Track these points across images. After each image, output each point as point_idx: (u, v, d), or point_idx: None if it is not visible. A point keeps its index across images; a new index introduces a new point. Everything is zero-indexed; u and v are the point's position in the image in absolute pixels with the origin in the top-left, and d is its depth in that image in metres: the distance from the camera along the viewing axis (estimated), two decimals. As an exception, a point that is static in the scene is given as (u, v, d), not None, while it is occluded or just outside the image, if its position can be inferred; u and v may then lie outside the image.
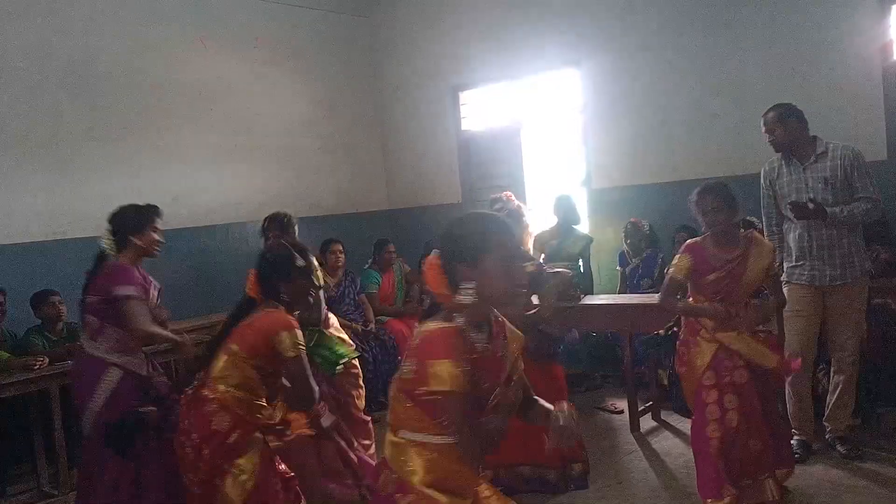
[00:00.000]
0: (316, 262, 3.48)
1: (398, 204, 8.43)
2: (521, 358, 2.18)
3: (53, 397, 4.63)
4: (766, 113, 4.36)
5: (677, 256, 3.80)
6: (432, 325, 2.00)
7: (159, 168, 6.53)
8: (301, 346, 2.96)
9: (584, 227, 6.65)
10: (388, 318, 6.62)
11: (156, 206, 3.84)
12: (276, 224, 4.68)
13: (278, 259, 3.13)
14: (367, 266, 6.85)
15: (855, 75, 5.35)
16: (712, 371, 3.66)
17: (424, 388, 1.93)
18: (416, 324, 2.17)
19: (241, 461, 2.90)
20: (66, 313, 5.25)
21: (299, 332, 2.97)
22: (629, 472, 4.44)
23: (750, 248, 3.66)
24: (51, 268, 5.66)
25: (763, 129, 4.36)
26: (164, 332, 3.78)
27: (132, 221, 3.71)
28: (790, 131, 4.27)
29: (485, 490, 2.09)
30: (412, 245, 7.68)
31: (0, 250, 5.58)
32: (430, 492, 1.99)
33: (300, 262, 3.13)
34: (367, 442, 4.21)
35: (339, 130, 8.04)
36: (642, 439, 4.99)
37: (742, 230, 3.82)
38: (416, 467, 2.01)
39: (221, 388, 2.94)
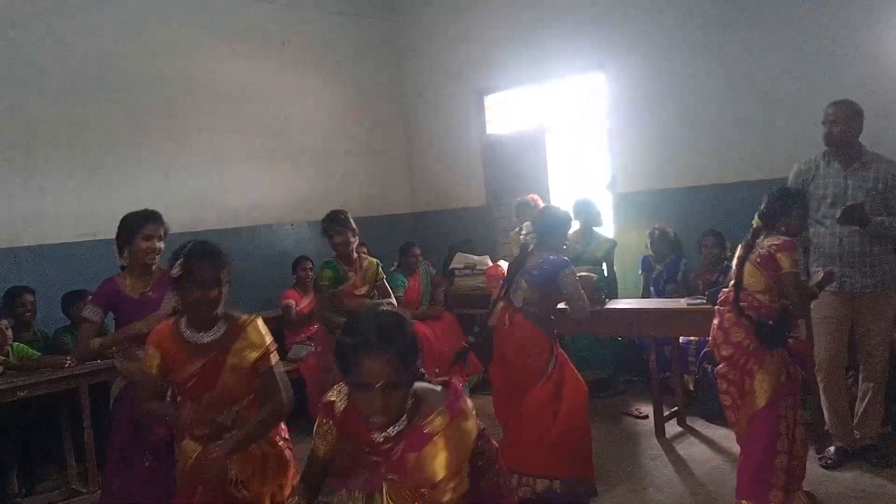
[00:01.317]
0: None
1: (422, 207, 8.44)
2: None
3: (83, 396, 4.68)
4: (833, 104, 4.27)
5: (790, 253, 3.51)
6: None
7: (187, 170, 6.59)
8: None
9: (608, 231, 6.63)
10: (412, 321, 6.61)
11: (147, 213, 3.65)
12: (338, 221, 4.75)
13: None
14: (392, 269, 6.88)
15: (888, 78, 5.28)
16: (784, 369, 3.58)
17: None
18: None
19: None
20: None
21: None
22: (654, 478, 4.42)
23: None
24: (80, 268, 5.72)
25: (824, 118, 4.27)
26: (115, 336, 3.65)
27: (122, 233, 3.64)
28: (852, 131, 4.21)
29: None
30: (436, 248, 7.70)
31: (30, 251, 5.65)
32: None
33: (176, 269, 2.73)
34: None
35: (364, 133, 8.07)
36: (668, 445, 4.96)
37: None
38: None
39: None
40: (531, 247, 4.36)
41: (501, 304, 4.37)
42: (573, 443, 4.08)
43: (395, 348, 2.00)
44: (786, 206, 3.69)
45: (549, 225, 4.35)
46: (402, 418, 2.07)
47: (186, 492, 2.76)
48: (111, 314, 3.71)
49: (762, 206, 3.71)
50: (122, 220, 3.66)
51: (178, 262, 2.68)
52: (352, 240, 4.76)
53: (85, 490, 4.76)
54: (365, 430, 2.08)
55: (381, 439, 2.06)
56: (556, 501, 4.03)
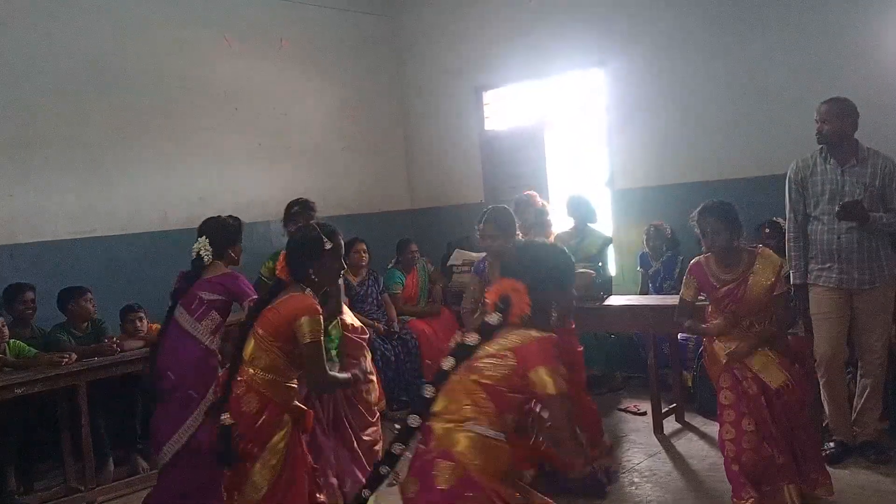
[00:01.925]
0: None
1: (421, 203, 8.43)
2: None
3: (81, 393, 4.68)
4: (825, 102, 4.26)
5: (685, 277, 3.89)
6: (534, 334, 2.30)
7: (186, 168, 6.58)
8: (319, 332, 2.98)
9: (606, 228, 6.62)
10: (410, 318, 6.62)
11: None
12: (303, 208, 4.91)
13: (308, 240, 3.16)
14: (390, 266, 6.87)
15: (885, 75, 5.28)
16: (728, 374, 3.68)
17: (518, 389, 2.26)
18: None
19: (269, 445, 2.96)
20: (94, 311, 5.31)
21: (320, 318, 3.00)
22: (653, 474, 4.42)
23: (752, 266, 3.67)
24: (79, 266, 5.72)
25: (816, 116, 4.27)
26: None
27: (232, 235, 4.19)
28: (844, 128, 4.21)
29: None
30: (435, 244, 7.69)
31: (29, 248, 5.64)
32: (472, 466, 2.21)
33: (328, 243, 3.14)
34: (367, 438, 4.21)
35: (362, 130, 8.06)
36: (666, 442, 4.96)
37: (748, 246, 3.83)
38: (464, 449, 2.23)
39: (250, 370, 3.01)
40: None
41: None
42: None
43: None
44: (698, 222, 3.84)
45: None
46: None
47: None
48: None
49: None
50: (226, 223, 4.20)
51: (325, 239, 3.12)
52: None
53: (83, 488, 4.75)
54: None
55: None
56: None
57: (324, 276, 3.16)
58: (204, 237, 4.07)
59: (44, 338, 5.19)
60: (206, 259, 4.03)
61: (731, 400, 3.64)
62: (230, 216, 4.26)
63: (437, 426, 2.29)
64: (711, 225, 3.66)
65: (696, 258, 3.85)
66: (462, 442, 2.24)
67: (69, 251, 5.78)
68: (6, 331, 4.86)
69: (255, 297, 3.84)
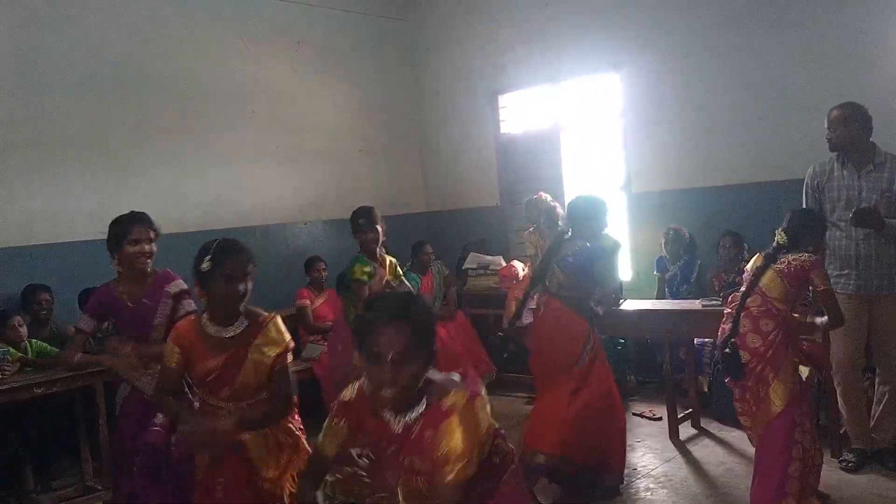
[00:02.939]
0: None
1: (436, 206, 8.44)
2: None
3: (98, 393, 4.70)
4: (833, 109, 4.26)
5: (820, 271, 3.65)
6: None
7: (202, 169, 6.62)
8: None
9: (622, 232, 6.61)
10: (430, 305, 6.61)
11: (133, 215, 3.52)
12: (370, 218, 4.78)
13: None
14: (405, 268, 6.88)
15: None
16: (797, 376, 3.61)
17: None
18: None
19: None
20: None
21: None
22: (668, 480, 4.40)
23: None
24: (96, 266, 5.73)
25: (825, 124, 4.26)
26: (91, 359, 3.77)
27: (110, 242, 3.52)
28: (851, 134, 4.18)
29: None
30: (450, 247, 7.70)
31: (47, 249, 5.69)
32: None
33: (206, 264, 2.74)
34: None
35: (378, 133, 8.08)
36: (682, 447, 4.94)
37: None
38: None
39: None
40: (566, 235, 4.37)
41: (536, 296, 4.34)
42: (589, 428, 4.07)
43: (408, 320, 2.06)
44: (815, 226, 3.82)
45: (580, 212, 4.33)
46: (421, 403, 2.10)
47: (207, 489, 2.79)
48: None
49: (787, 224, 3.74)
50: (110, 226, 3.52)
51: (207, 257, 2.72)
52: (381, 237, 4.77)
53: (100, 486, 4.79)
54: (381, 423, 2.10)
55: (401, 428, 2.09)
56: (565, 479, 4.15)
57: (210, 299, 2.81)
58: None
59: (63, 338, 5.24)
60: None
61: (801, 419, 3.56)
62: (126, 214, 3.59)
63: None
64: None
65: (812, 256, 3.69)
66: None
67: (88, 252, 5.80)
68: (24, 330, 4.91)
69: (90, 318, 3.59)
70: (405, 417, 2.10)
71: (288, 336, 2.83)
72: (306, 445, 2.89)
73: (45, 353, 4.94)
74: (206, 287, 2.77)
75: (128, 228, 3.47)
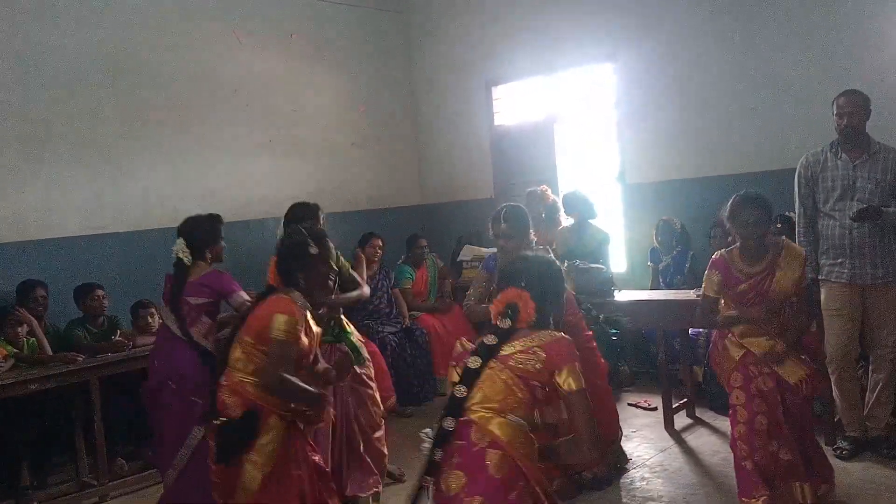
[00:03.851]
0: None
1: (431, 199, 8.43)
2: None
3: (94, 389, 4.71)
4: (844, 95, 4.21)
5: (706, 273, 3.71)
6: (556, 334, 2.44)
7: (196, 163, 6.60)
8: (290, 332, 2.94)
9: (616, 223, 6.62)
10: (420, 314, 6.64)
11: (220, 216, 4.23)
12: (304, 213, 4.56)
13: (294, 246, 3.16)
14: (400, 261, 6.88)
15: (896, 69, 5.25)
16: (739, 373, 3.60)
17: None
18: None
19: (257, 446, 2.91)
20: (108, 307, 5.35)
21: (297, 320, 2.96)
22: (664, 469, 4.42)
23: (778, 258, 3.53)
24: (91, 262, 5.75)
25: (837, 109, 4.20)
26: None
27: (207, 234, 4.06)
28: (863, 121, 4.18)
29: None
30: (445, 240, 7.70)
31: (41, 245, 5.67)
32: (518, 455, 2.29)
33: (314, 248, 3.13)
34: (377, 434, 4.23)
35: (372, 125, 8.06)
36: (677, 437, 4.96)
37: (774, 236, 3.75)
38: (509, 437, 2.30)
39: (236, 376, 3.01)
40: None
41: None
42: None
43: None
44: (730, 214, 3.65)
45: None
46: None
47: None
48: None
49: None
50: (202, 223, 4.08)
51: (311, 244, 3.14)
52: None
53: (96, 483, 4.78)
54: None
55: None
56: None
57: (313, 281, 3.14)
58: (181, 239, 3.99)
59: (58, 334, 5.24)
60: (186, 261, 3.96)
61: (743, 399, 3.58)
62: (209, 214, 4.16)
63: (477, 416, 2.32)
64: (755, 215, 3.48)
65: (718, 253, 3.70)
66: (505, 430, 2.29)
67: (81, 247, 5.81)
68: (23, 331, 4.91)
69: (241, 292, 3.86)
70: None
71: None
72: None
73: (41, 350, 4.93)
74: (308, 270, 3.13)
75: (221, 226, 4.14)
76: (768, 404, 3.54)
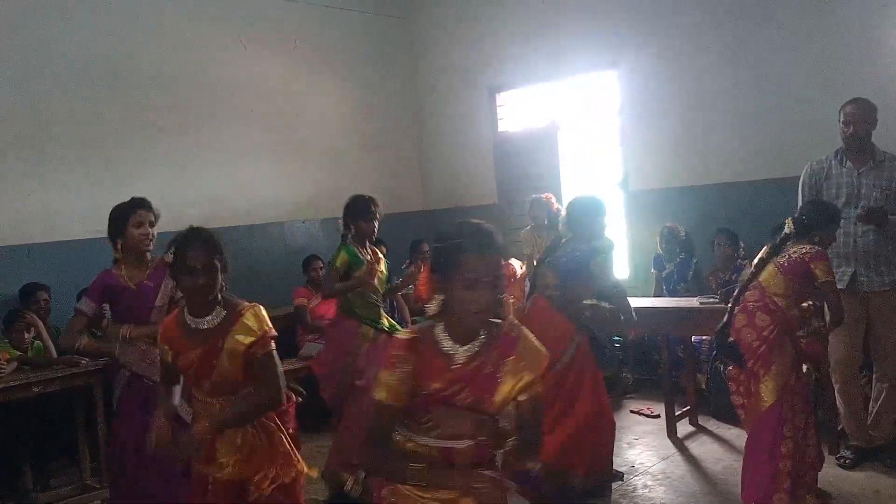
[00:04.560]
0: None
1: (434, 205, 8.44)
2: (535, 382, 2.13)
3: (97, 392, 4.71)
4: (851, 103, 4.21)
5: (823, 263, 3.53)
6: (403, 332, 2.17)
7: (199, 167, 6.61)
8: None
9: (620, 230, 6.62)
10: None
11: (136, 200, 3.66)
12: (375, 207, 4.63)
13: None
14: (404, 266, 6.88)
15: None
16: (794, 373, 3.58)
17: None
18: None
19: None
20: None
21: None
22: (666, 477, 4.41)
23: None
24: (94, 265, 5.69)
25: (845, 117, 4.21)
26: (97, 345, 3.69)
27: (113, 224, 3.63)
28: (869, 130, 4.18)
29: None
30: (447, 246, 7.68)
31: (44, 248, 5.68)
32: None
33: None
34: None
35: (376, 131, 8.07)
36: (679, 444, 4.95)
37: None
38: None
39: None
40: (564, 239, 4.29)
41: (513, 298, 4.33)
42: (578, 446, 4.01)
43: (498, 249, 2.06)
44: (826, 218, 3.70)
45: (577, 214, 4.24)
46: (480, 335, 2.11)
47: (202, 486, 2.78)
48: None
49: (798, 213, 3.71)
50: (112, 212, 3.66)
51: (171, 249, 2.75)
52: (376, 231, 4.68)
53: (98, 486, 4.78)
54: (444, 361, 2.08)
55: (465, 358, 2.07)
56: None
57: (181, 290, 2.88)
58: None
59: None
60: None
61: (790, 400, 3.54)
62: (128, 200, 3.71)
63: None
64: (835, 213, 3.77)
65: (815, 248, 3.59)
66: None
67: (84, 250, 5.79)
68: (30, 335, 4.92)
69: (92, 302, 3.61)
70: (469, 346, 2.09)
71: (268, 325, 2.75)
72: (287, 446, 2.81)
73: (43, 353, 4.94)
74: (174, 279, 2.81)
75: (132, 212, 3.60)
76: (805, 399, 3.58)
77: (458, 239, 2.03)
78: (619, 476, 4.38)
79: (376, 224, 4.62)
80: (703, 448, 4.85)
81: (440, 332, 2.10)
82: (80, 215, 5.86)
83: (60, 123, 5.82)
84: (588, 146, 7.37)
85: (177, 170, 6.46)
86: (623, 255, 6.74)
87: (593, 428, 4.06)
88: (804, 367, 3.66)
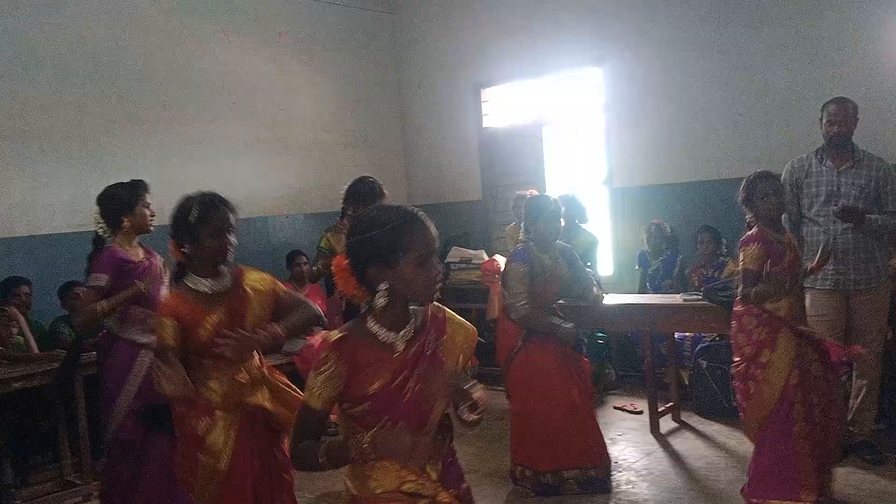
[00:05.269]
0: None
1: (419, 200, 8.41)
2: (468, 350, 2.12)
3: (77, 387, 4.67)
4: (834, 102, 4.23)
5: (744, 249, 3.67)
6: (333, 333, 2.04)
7: (182, 160, 6.55)
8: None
9: (604, 227, 6.63)
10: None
11: (143, 182, 3.90)
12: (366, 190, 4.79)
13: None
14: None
15: (885, 75, 5.30)
16: (797, 369, 3.58)
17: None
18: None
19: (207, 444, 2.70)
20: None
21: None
22: (649, 473, 4.43)
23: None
24: (76, 259, 5.68)
25: (827, 116, 4.24)
26: (114, 299, 3.65)
27: (122, 202, 3.82)
28: (852, 128, 4.22)
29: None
30: (432, 241, 7.68)
31: (25, 242, 5.62)
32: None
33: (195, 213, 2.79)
34: None
35: (360, 126, 8.05)
36: (662, 440, 4.97)
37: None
38: None
39: None
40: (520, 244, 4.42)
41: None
42: (577, 432, 4.13)
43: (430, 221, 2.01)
44: (756, 187, 3.71)
45: (526, 215, 4.35)
46: (410, 319, 2.03)
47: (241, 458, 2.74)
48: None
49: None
50: (116, 190, 3.86)
51: (193, 209, 2.75)
52: None
53: (79, 481, 4.74)
54: (381, 352, 1.99)
55: (403, 344, 2.00)
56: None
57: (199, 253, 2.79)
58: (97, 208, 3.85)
59: (42, 332, 5.19)
60: (102, 234, 3.84)
61: (801, 396, 3.56)
62: (131, 181, 3.93)
63: None
64: (774, 185, 3.65)
65: (752, 230, 3.70)
66: None
67: (66, 244, 5.75)
68: (15, 330, 4.86)
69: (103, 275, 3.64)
70: (405, 331, 2.01)
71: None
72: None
73: (24, 347, 4.89)
74: (195, 241, 2.74)
75: (142, 192, 3.86)
76: (821, 392, 3.60)
77: (394, 222, 1.94)
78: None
79: None
80: (685, 444, 4.88)
81: (372, 324, 2.01)
82: (63, 209, 5.80)
83: (43, 115, 5.75)
84: (573, 143, 7.39)
85: (160, 163, 6.39)
86: (607, 251, 6.76)
87: (586, 410, 4.19)
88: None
